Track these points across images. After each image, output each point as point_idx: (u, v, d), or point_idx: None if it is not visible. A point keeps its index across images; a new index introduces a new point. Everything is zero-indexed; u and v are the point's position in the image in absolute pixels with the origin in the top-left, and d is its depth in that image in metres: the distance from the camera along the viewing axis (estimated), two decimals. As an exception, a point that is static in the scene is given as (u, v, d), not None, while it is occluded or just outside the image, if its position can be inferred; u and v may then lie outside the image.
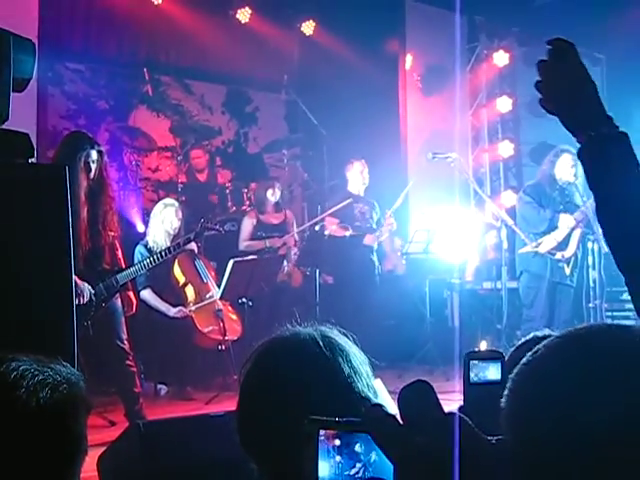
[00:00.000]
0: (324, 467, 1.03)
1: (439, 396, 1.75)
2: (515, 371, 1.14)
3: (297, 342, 1.67)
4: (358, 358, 1.69)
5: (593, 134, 1.75)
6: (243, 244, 8.48)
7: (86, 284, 5.60)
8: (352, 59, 10.19)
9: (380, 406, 0.98)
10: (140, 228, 8.28)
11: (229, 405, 6.69)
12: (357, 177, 8.79)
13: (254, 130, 11.13)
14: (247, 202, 9.35)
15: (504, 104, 11.20)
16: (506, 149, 11.23)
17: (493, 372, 1.91)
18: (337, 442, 1.02)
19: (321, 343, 1.65)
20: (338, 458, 1.03)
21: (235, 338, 7.31)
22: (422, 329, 8.96)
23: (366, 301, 8.43)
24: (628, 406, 1.00)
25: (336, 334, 1.72)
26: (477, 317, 9.66)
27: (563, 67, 1.76)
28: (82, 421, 1.46)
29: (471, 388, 1.89)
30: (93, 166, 5.53)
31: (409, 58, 10.63)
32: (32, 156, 3.33)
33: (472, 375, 1.90)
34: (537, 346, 1.16)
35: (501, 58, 11.14)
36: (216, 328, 7.26)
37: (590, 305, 8.16)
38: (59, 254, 3.26)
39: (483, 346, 7.14)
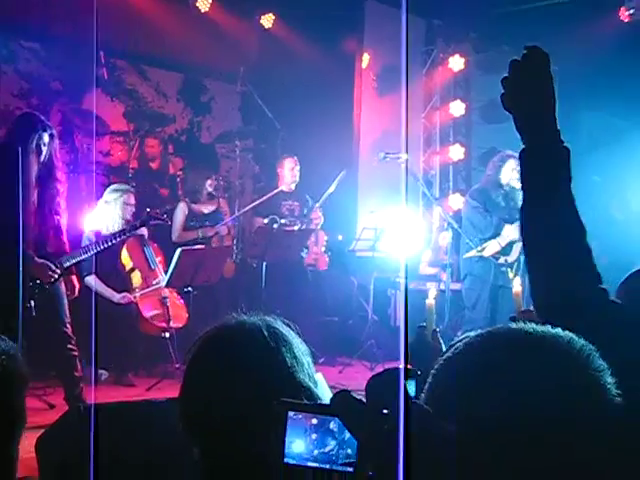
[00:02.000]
0: (300, 444, 1.10)
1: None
2: (436, 366, 1.22)
3: (242, 331, 1.72)
4: (300, 349, 1.74)
5: (539, 140, 1.88)
6: (176, 234, 8.45)
7: (47, 261, 5.61)
8: (310, 55, 10.24)
9: (348, 392, 1.05)
10: (89, 212, 8.23)
11: (170, 392, 6.69)
12: (288, 174, 8.83)
13: (208, 119, 11.11)
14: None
15: (457, 108, 11.32)
16: (457, 153, 11.36)
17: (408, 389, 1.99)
18: (314, 421, 1.09)
19: (266, 333, 1.70)
20: (314, 436, 1.09)
21: (180, 326, 7.32)
22: (365, 326, 9.05)
23: (297, 297, 8.45)
24: (524, 398, 1.09)
25: (280, 325, 1.77)
26: (419, 317, 9.75)
27: (533, 73, 1.88)
28: (22, 392, 1.49)
29: None
30: (44, 149, 5.49)
31: (366, 57, 10.69)
32: (-16, 135, 3.33)
33: None
34: (457, 343, 1.24)
35: (456, 63, 11.26)
36: (161, 314, 7.25)
37: (531, 309, 8.29)
38: (9, 234, 3.27)
39: (517, 285, 7.28)
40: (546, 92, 1.89)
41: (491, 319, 7.92)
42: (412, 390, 1.98)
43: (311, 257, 9.06)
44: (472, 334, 2.49)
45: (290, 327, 1.78)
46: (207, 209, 8.73)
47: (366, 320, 9.12)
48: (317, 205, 8.82)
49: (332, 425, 1.08)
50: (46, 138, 5.50)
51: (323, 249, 9.23)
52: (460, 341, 2.46)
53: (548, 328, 1.19)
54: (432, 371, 1.21)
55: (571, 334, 1.17)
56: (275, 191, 8.55)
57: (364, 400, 1.05)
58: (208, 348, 1.73)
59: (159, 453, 3.72)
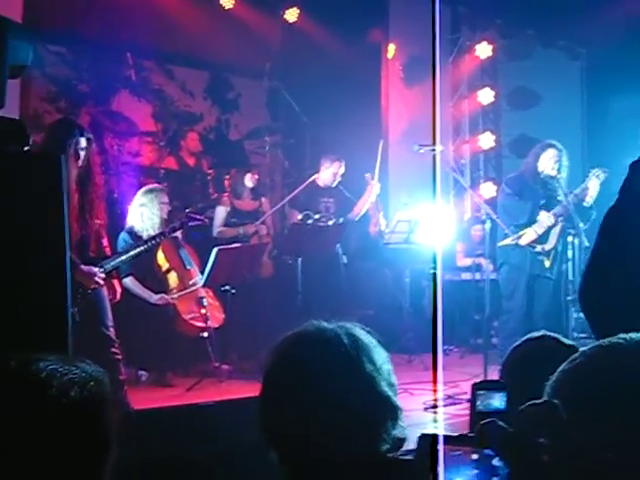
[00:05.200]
0: None
1: (416, 386, 1.83)
2: (554, 378, 1.18)
3: (323, 339, 1.70)
4: (381, 356, 1.71)
5: None
6: (216, 230, 8.43)
7: (93, 267, 5.64)
8: (335, 47, 10.19)
9: (495, 421, 1.02)
10: (120, 214, 8.24)
11: (210, 392, 6.74)
12: (330, 175, 8.73)
13: (235, 117, 11.10)
14: (229, 189, 9.33)
15: (485, 96, 11.24)
16: (487, 141, 11.28)
17: (498, 401, 1.98)
18: (475, 456, 1.05)
19: (346, 341, 1.68)
20: (475, 472, 1.05)
21: (217, 325, 7.32)
22: (401, 319, 9.02)
23: (333, 291, 8.40)
24: None
25: (359, 332, 1.74)
26: (455, 308, 9.73)
27: None
28: (110, 417, 1.47)
29: (477, 416, 1.97)
30: (82, 153, 5.52)
31: (392, 48, 10.64)
32: (27, 144, 3.32)
33: (478, 404, 1.97)
34: (575, 354, 1.20)
35: (483, 50, 11.18)
36: (198, 315, 7.25)
37: (568, 298, 8.24)
38: (55, 243, 3.26)
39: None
40: None
41: (528, 308, 7.88)
42: (503, 403, 1.98)
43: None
44: (536, 334, 2.43)
45: (370, 334, 1.75)
46: (249, 207, 8.69)
47: (402, 312, 9.10)
48: (373, 179, 8.78)
49: (495, 461, 1.05)
50: (83, 142, 5.52)
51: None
52: (525, 343, 2.41)
53: None
54: (549, 382, 1.18)
55: None
56: (310, 179, 8.50)
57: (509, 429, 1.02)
58: (289, 355, 1.71)
59: (212, 458, 3.70)
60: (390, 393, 1.67)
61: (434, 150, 7.89)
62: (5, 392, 1.34)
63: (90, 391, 1.43)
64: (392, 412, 1.66)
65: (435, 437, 1.11)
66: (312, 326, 1.73)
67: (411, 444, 1.75)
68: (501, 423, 1.03)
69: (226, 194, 8.71)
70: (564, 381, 1.16)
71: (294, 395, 1.64)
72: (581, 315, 8.52)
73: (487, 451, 1.06)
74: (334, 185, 8.75)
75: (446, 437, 1.12)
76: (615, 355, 1.15)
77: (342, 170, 8.75)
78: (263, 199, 8.90)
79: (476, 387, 1.89)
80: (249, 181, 8.61)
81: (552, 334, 2.28)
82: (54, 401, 1.37)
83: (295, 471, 1.66)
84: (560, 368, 1.18)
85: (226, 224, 8.45)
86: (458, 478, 1.08)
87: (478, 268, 9.31)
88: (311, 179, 8.57)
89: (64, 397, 1.38)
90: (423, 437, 1.12)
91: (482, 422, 1.04)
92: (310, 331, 1.72)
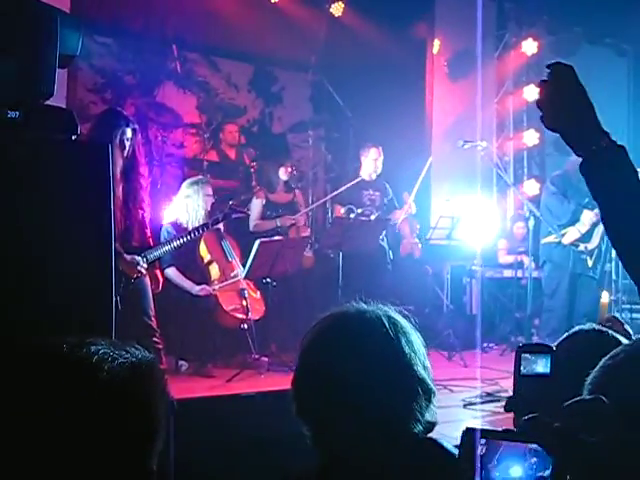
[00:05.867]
0: (518, 469, 1.07)
1: (456, 382, 1.81)
2: (593, 374, 1.18)
3: (362, 320, 1.71)
4: (417, 339, 1.73)
5: (594, 148, 1.86)
6: (253, 224, 8.43)
7: (136, 256, 5.68)
8: (380, 42, 10.15)
9: (538, 417, 1.02)
10: (167, 204, 8.28)
11: (250, 383, 6.76)
12: (370, 163, 8.65)
13: (279, 110, 11.11)
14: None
15: (531, 92, 11.13)
16: (531, 138, 11.19)
17: (543, 365, 1.96)
18: (533, 445, 1.06)
19: (386, 323, 1.69)
20: (534, 460, 1.06)
21: (258, 318, 7.34)
22: (441, 315, 8.99)
23: (374, 286, 8.36)
24: None
25: (397, 315, 1.76)
26: (495, 305, 9.67)
27: (562, 88, 1.89)
28: (160, 402, 1.47)
29: (521, 380, 1.96)
30: (127, 144, 5.57)
31: (437, 43, 10.60)
32: (76, 133, 3.35)
33: (522, 367, 1.95)
34: (616, 350, 1.19)
35: (530, 46, 11.08)
36: (239, 307, 7.27)
37: (611, 298, 8.16)
38: (102, 232, 3.28)
39: (605, 297, 7.22)
40: (580, 103, 1.90)
41: (570, 307, 7.82)
42: (547, 367, 1.96)
43: (407, 247, 9.00)
44: (585, 327, 2.40)
45: (408, 319, 1.77)
46: (284, 199, 8.69)
47: (442, 309, 9.06)
48: (407, 194, 8.70)
49: None
50: (129, 133, 5.57)
51: (415, 239, 9.15)
52: (575, 334, 2.38)
53: None
54: (590, 377, 1.17)
55: None
56: (356, 180, 8.48)
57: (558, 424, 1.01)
58: (327, 335, 1.72)
59: (252, 445, 3.70)
60: (425, 375, 1.68)
61: (478, 146, 7.88)
62: (57, 375, 1.35)
63: (141, 376, 1.44)
64: (426, 394, 1.67)
65: (480, 431, 1.11)
66: (352, 307, 1.74)
67: (449, 440, 1.75)
68: (545, 418, 1.02)
69: (262, 187, 8.71)
70: (606, 376, 1.15)
71: (331, 374, 1.65)
72: (624, 315, 8.45)
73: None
74: (378, 172, 8.67)
75: (491, 432, 1.11)
76: None
77: (381, 157, 8.67)
78: (297, 191, 8.89)
79: (521, 350, 1.88)
80: (283, 174, 8.61)
81: (602, 328, 2.26)
82: (105, 385, 1.37)
83: (327, 452, 1.66)
84: (600, 364, 1.17)
85: (262, 217, 8.46)
86: (516, 466, 1.08)
87: (520, 265, 9.26)
88: (359, 179, 8.53)
89: (115, 381, 1.39)
90: (468, 431, 1.11)
91: (525, 417, 1.03)
92: (350, 312, 1.73)
